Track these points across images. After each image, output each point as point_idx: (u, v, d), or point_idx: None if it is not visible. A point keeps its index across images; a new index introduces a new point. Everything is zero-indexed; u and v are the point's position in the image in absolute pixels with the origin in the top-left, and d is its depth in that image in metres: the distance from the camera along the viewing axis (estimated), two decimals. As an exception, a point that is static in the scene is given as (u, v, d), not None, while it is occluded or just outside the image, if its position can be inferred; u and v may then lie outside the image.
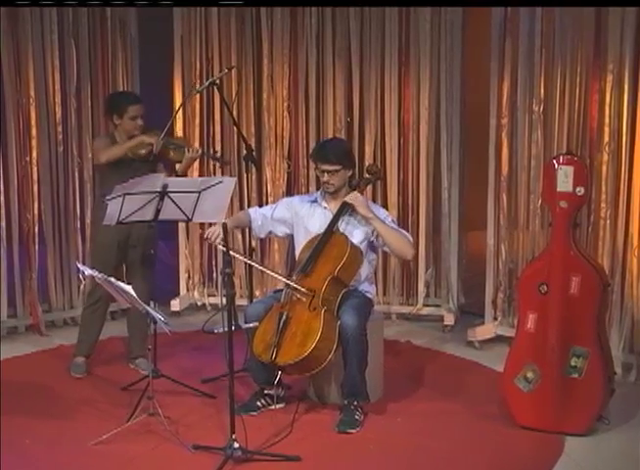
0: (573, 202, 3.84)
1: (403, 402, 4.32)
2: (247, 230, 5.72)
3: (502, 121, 5.17)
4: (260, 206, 4.66)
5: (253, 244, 5.43)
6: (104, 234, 4.55)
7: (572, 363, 3.83)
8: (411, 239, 4.24)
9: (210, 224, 4.21)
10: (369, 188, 5.54)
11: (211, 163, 5.99)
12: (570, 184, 3.82)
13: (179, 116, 5.95)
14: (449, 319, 5.63)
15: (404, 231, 4.27)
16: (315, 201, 4.37)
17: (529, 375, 3.90)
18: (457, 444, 3.88)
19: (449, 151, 5.68)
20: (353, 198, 4.15)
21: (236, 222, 4.43)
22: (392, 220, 4.29)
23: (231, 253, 3.87)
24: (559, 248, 3.86)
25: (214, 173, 5.97)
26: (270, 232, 4.41)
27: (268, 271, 4.64)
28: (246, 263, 4.85)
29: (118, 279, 3.93)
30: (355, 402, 4.05)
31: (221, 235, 3.93)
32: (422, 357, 5.07)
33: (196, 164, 5.97)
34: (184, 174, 4.70)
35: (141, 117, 4.60)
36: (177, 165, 4.64)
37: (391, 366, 4.68)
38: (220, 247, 4.02)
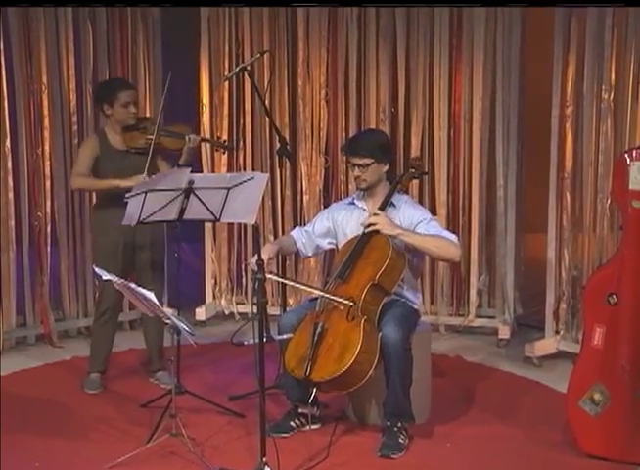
0: (648, 201, 3.78)
1: (453, 425, 4.28)
2: (279, 231, 5.74)
3: (566, 111, 5.11)
4: (295, 220, 4.65)
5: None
6: (106, 236, 4.59)
7: (646, 384, 3.76)
8: (454, 238, 4.15)
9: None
10: (415, 185, 5.54)
11: (241, 156, 6.01)
12: (644, 182, 3.77)
13: (206, 105, 5.99)
14: (505, 332, 5.59)
15: (445, 232, 4.19)
16: (352, 202, 4.36)
17: (597, 397, 3.85)
18: (514, 473, 3.84)
19: (505, 144, 5.63)
20: (373, 219, 4.09)
21: (278, 245, 4.34)
22: (432, 219, 4.22)
23: (275, 278, 4.08)
24: (631, 253, 3.79)
25: (244, 169, 5.98)
26: (317, 247, 4.41)
27: (302, 286, 4.68)
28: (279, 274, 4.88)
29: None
30: (399, 424, 4.02)
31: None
32: (474, 375, 5.03)
33: (224, 159, 6.01)
34: (187, 165, 4.69)
35: (134, 103, 4.65)
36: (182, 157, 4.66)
37: (440, 384, 4.64)
38: (273, 277, 4.09)
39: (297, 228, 4.52)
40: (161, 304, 4.53)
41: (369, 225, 4.08)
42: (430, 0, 5.46)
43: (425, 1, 5.47)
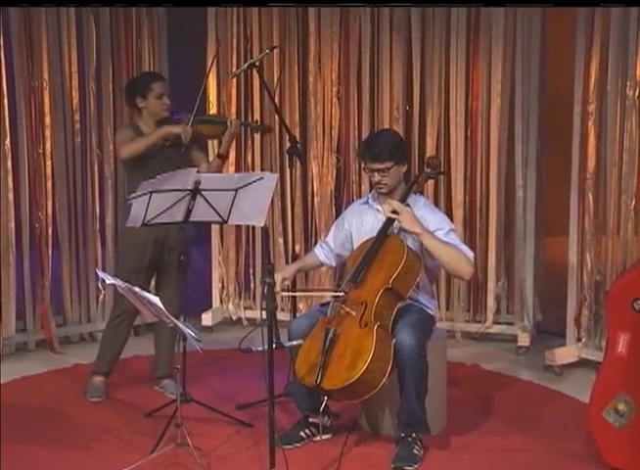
0: (675, 203, 3.76)
1: (470, 436, 4.26)
2: (289, 234, 5.74)
3: (589, 108, 5.09)
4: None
5: (297, 250, 5.41)
6: (136, 232, 4.56)
7: (673, 394, 3.74)
8: (470, 255, 4.14)
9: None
10: (430, 185, 5.53)
11: (250, 156, 6.00)
12: (671, 182, 3.75)
13: (213, 103, 5.99)
14: (524, 340, 5.57)
15: (463, 246, 4.18)
16: (367, 203, 4.35)
17: (621, 407, 3.81)
18: (534, 486, 3.83)
19: (525, 143, 5.61)
20: (398, 207, 4.07)
21: (298, 266, 4.43)
22: (451, 230, 4.19)
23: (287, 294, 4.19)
24: (657, 257, 3.78)
25: (253, 169, 5.98)
26: (338, 256, 4.44)
27: (313, 293, 4.70)
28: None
29: (144, 288, 3.94)
30: (413, 435, 4.00)
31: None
32: (492, 384, 5.02)
33: (231, 159, 6.01)
34: (226, 155, 4.74)
35: (167, 95, 4.67)
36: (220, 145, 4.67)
37: (456, 393, 4.63)
38: (284, 293, 4.27)
39: (318, 242, 4.56)
40: (181, 308, 4.53)
41: (393, 212, 4.07)
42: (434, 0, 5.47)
43: (429, 1, 5.47)
